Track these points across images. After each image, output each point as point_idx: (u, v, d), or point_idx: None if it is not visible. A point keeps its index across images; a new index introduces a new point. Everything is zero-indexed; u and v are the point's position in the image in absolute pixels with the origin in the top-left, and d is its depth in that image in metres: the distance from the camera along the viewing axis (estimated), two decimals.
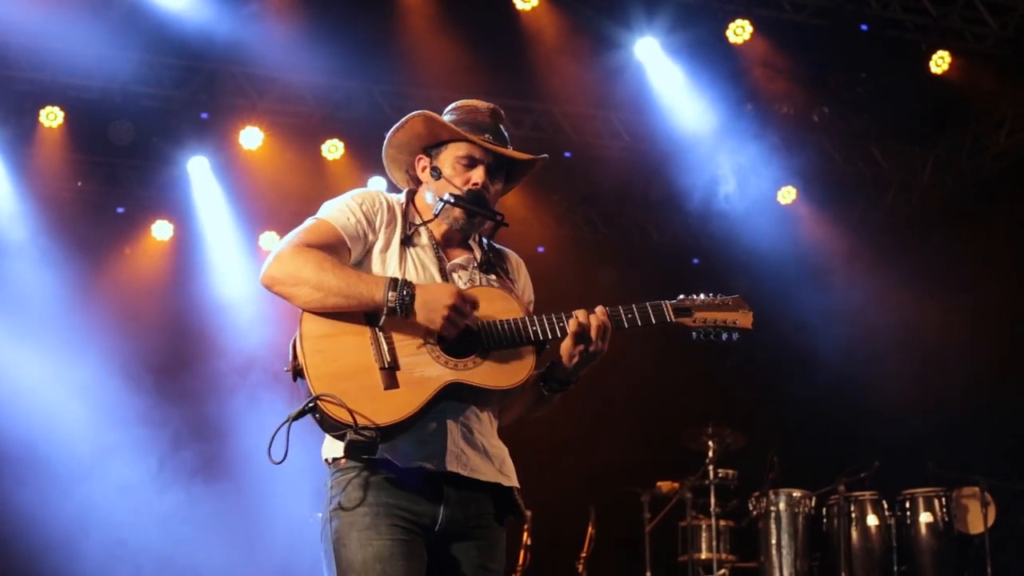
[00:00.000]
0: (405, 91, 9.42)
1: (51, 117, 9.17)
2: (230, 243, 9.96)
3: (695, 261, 11.27)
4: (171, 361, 9.87)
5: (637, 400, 10.29)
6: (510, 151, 3.37)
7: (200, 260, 10.07)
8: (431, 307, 3.08)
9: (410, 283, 3.11)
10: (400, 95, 9.45)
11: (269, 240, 10.12)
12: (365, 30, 8.82)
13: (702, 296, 3.32)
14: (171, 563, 9.47)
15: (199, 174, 9.88)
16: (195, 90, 9.31)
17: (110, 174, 10.10)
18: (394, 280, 3.10)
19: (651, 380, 10.19)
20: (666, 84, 9.56)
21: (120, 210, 10.32)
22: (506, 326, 3.15)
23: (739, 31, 9.03)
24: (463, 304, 3.10)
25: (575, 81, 9.56)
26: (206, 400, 9.58)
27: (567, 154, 10.40)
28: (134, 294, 10.15)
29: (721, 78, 9.47)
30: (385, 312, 3.09)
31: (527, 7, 8.88)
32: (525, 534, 8.36)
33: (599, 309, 3.21)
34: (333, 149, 9.87)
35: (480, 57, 9.03)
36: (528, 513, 8.32)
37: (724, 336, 3.31)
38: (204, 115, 9.47)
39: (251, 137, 9.52)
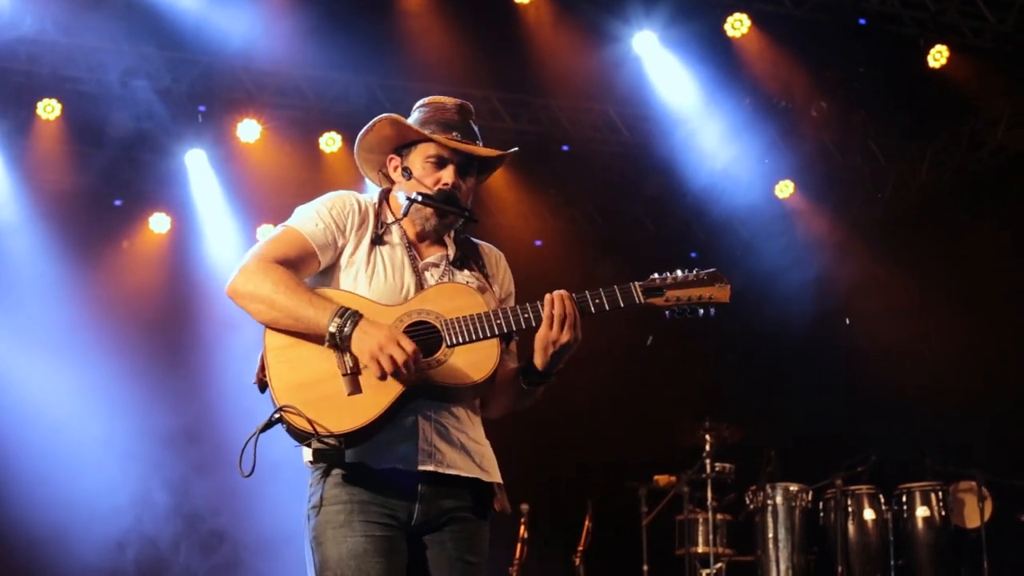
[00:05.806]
0: (403, 84, 9.40)
1: (48, 110, 9.15)
2: (228, 236, 9.95)
3: (693, 255, 11.26)
4: (168, 354, 9.87)
5: (634, 394, 10.29)
6: (477, 148, 3.37)
7: (198, 253, 10.06)
8: (365, 340, 3.04)
9: (358, 313, 3.09)
10: (398, 88, 9.43)
11: (266, 233, 10.08)
12: (363, 23, 8.81)
13: (677, 273, 3.24)
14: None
15: (196, 167, 9.87)
16: (192, 83, 9.29)
17: (107, 167, 10.06)
18: (343, 308, 3.09)
19: (649, 373, 10.19)
20: (664, 78, 9.56)
21: (117, 203, 10.29)
22: (469, 321, 3.14)
23: (737, 25, 9.05)
24: (398, 351, 3.03)
25: (573, 75, 9.56)
26: (203, 393, 9.59)
27: (564, 148, 10.39)
28: (131, 287, 10.14)
29: (719, 72, 9.47)
30: (326, 340, 3.07)
31: (525, 0, 8.87)
32: (522, 528, 8.37)
33: (564, 294, 3.20)
34: (331, 142, 9.85)
35: (478, 50, 9.02)
36: (525, 507, 8.33)
37: (700, 312, 3.24)
38: (201, 108, 9.45)
39: (248, 130, 9.50)
